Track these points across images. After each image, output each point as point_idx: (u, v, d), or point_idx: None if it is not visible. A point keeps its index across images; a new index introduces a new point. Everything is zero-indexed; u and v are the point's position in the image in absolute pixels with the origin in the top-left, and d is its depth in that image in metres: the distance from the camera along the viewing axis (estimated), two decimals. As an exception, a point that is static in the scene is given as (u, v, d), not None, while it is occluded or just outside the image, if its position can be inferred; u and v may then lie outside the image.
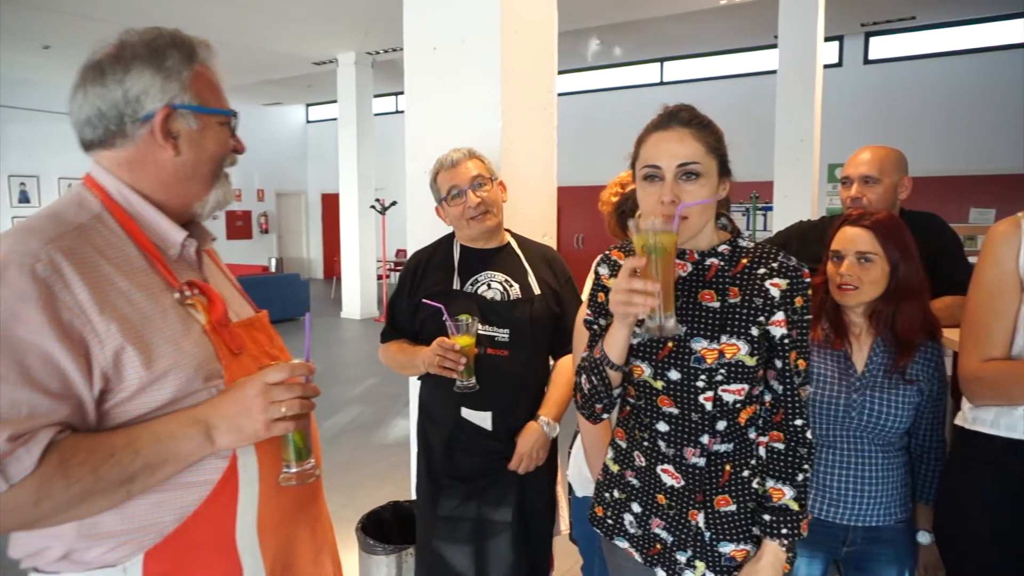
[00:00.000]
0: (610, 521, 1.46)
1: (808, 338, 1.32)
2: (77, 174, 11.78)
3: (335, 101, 10.53)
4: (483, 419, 1.93)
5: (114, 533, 0.98)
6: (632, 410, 1.41)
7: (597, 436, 1.63)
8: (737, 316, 1.29)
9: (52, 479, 0.89)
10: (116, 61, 1.04)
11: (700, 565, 1.34)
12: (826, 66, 7.19)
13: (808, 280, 1.31)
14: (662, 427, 1.35)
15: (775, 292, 1.29)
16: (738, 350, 1.28)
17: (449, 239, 2.06)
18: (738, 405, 1.30)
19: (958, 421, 1.59)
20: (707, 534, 1.33)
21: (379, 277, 11.10)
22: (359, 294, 10.32)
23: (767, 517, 1.32)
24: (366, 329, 9.50)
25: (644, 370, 1.34)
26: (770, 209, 7.41)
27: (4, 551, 1.02)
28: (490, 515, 1.97)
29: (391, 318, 2.09)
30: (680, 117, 1.31)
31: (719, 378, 1.28)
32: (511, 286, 1.96)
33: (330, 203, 14.31)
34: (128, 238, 1.05)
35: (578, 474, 1.78)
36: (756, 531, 1.34)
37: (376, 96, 10.50)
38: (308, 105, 15.63)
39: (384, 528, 2.32)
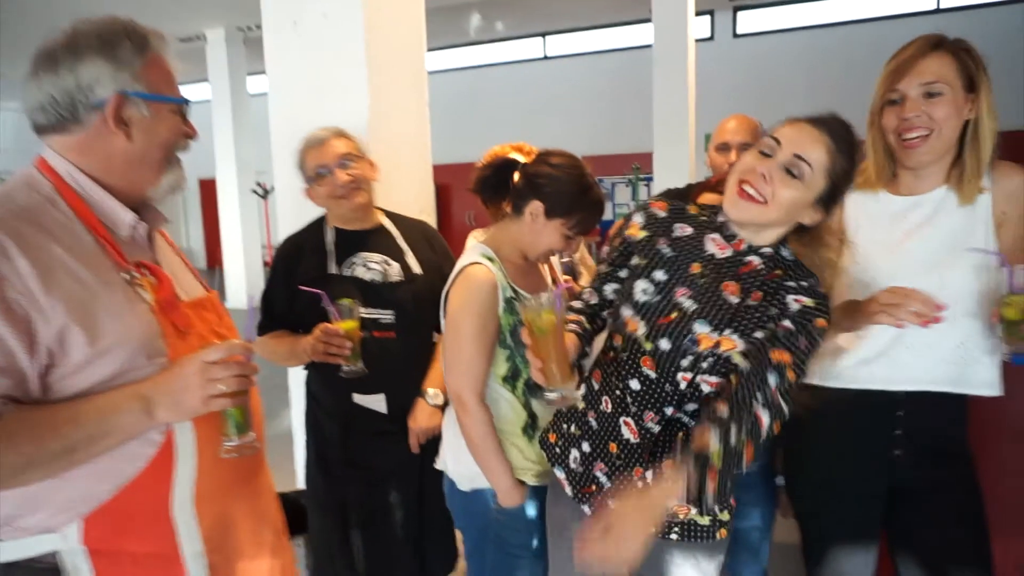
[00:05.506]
0: (557, 450, 1.50)
1: (807, 361, 1.26)
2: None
3: (206, 80, 9.93)
4: (377, 402, 1.91)
5: (53, 501, 1.05)
6: (614, 357, 1.41)
7: (487, 429, 1.62)
8: (749, 317, 1.29)
9: None
10: (68, 49, 1.08)
11: None
12: (698, 40, 7.47)
13: (828, 312, 1.27)
14: (635, 385, 1.36)
15: (795, 306, 1.26)
16: (734, 346, 1.28)
17: (320, 223, 1.99)
18: (712, 394, 1.31)
19: None
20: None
21: (265, 264, 10.68)
22: (244, 283, 9.89)
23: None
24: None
25: (639, 328, 1.34)
26: (651, 180, 7.67)
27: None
28: (392, 499, 1.95)
29: (267, 310, 2.01)
30: (832, 126, 1.25)
31: (704, 366, 1.29)
32: (389, 265, 1.93)
33: (209, 189, 13.59)
34: (78, 220, 1.09)
35: (463, 468, 1.72)
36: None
37: (251, 74, 9.98)
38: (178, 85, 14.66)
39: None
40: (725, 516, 1.39)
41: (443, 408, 1.93)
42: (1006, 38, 8.00)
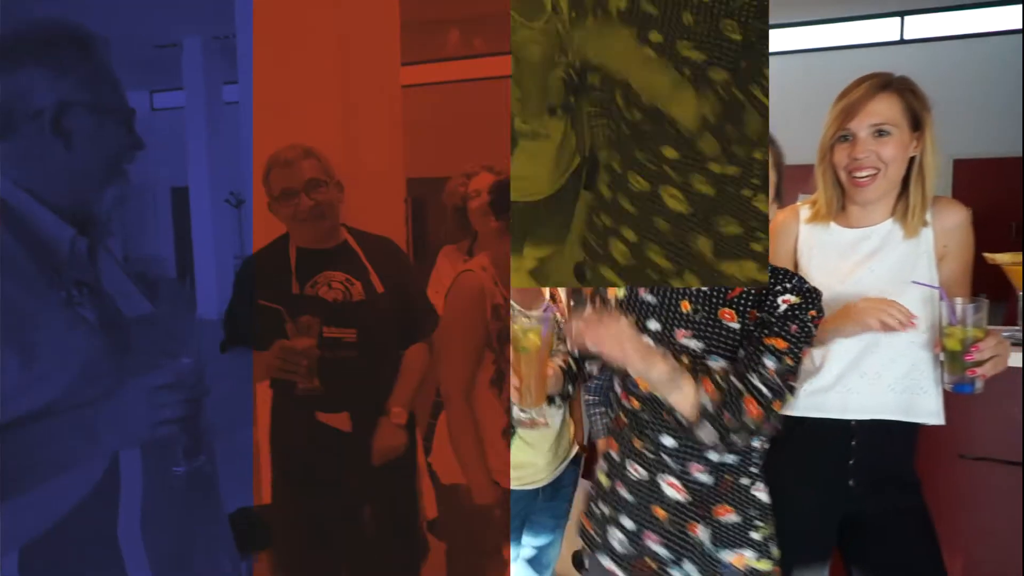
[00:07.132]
0: (597, 538, 1.43)
1: (801, 349, 1.26)
2: None
3: (181, 88, 9.85)
4: (341, 421, 1.90)
5: None
6: (632, 419, 1.37)
7: (468, 426, 1.69)
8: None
9: None
10: (6, 53, 1.01)
11: None
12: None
13: (819, 303, 1.28)
14: (668, 441, 1.32)
15: (783, 307, 1.26)
16: None
17: (283, 241, 1.98)
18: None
19: None
20: (708, 544, 1.32)
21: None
22: (215, 293, 9.77)
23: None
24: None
25: None
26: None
27: None
28: (362, 515, 1.96)
29: (229, 327, 2.00)
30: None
31: None
32: (352, 284, 1.92)
33: (181, 197, 13.47)
34: (12, 237, 1.01)
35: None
36: (755, 536, 1.33)
37: (227, 83, 9.92)
38: (152, 92, 14.55)
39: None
40: (777, 553, 1.36)
41: (406, 427, 1.94)
42: (964, 70, 8.26)
